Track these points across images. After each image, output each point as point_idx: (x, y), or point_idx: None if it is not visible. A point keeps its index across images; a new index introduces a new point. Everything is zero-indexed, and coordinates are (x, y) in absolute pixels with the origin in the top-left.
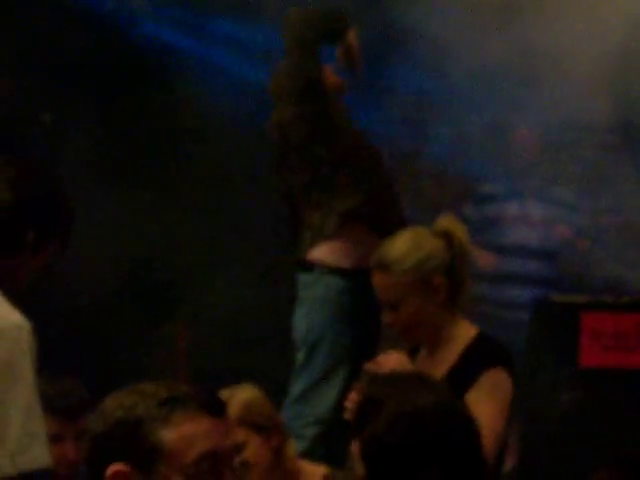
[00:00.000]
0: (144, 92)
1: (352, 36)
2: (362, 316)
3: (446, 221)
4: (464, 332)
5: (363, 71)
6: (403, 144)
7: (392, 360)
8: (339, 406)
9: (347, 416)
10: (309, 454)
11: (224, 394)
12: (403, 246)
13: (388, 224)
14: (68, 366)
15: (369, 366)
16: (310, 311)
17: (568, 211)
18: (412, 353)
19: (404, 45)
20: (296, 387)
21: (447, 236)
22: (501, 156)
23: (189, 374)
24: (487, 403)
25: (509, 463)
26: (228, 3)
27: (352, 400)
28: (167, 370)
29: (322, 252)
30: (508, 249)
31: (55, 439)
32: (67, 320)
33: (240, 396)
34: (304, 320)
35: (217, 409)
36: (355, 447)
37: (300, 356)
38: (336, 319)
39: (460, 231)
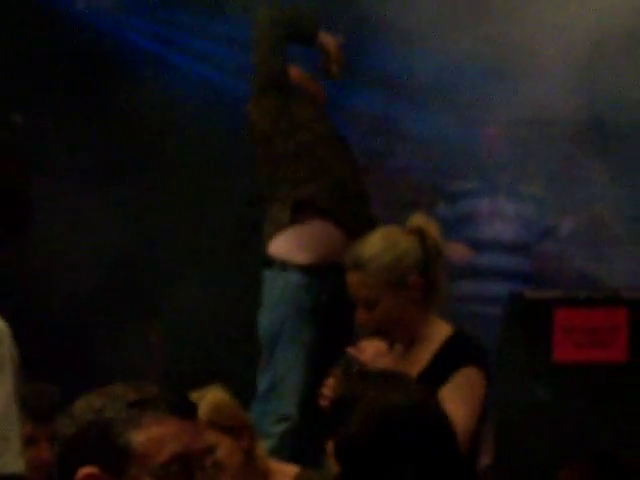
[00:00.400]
0: (115, 92)
1: (327, 40)
2: (322, 313)
3: (419, 219)
4: (439, 331)
5: (339, 74)
6: (374, 142)
7: (373, 347)
8: (305, 402)
9: (323, 403)
10: (278, 451)
11: (193, 396)
12: (377, 245)
13: (352, 219)
14: (42, 365)
15: (350, 351)
16: (270, 308)
17: (539, 207)
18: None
19: (376, 40)
20: (261, 385)
21: (420, 234)
22: (471, 153)
23: (162, 373)
24: (460, 401)
25: (485, 461)
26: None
27: (329, 386)
28: (141, 369)
29: (280, 247)
30: (482, 245)
31: (29, 441)
32: (41, 318)
33: (209, 398)
34: (265, 317)
35: (186, 411)
36: (329, 446)
37: (263, 355)
38: (294, 316)
39: (433, 229)
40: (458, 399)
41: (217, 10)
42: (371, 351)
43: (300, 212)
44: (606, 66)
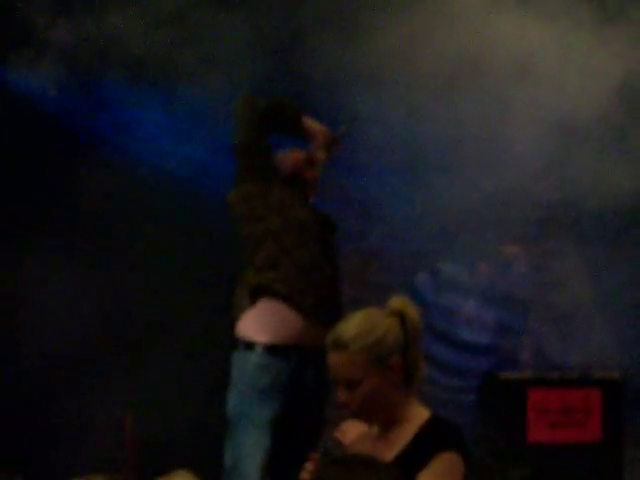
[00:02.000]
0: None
1: (311, 125)
2: (281, 393)
3: (398, 301)
4: (417, 414)
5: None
6: (350, 224)
7: (356, 429)
8: None
9: None
10: None
11: None
12: (359, 325)
13: (315, 305)
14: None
15: (334, 435)
16: (232, 388)
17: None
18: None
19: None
20: (227, 461)
21: (400, 316)
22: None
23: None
24: None
25: None
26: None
27: (307, 471)
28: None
29: (243, 328)
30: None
31: None
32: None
33: None
34: (229, 397)
35: None
36: None
37: (229, 431)
38: (252, 396)
39: (412, 311)
40: None
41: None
42: (353, 433)
43: (260, 296)
44: (575, 151)
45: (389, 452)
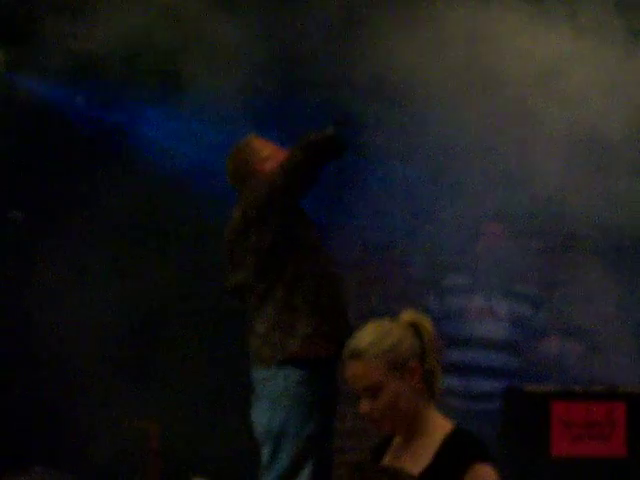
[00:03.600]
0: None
1: None
2: (323, 405)
3: (410, 314)
4: (439, 425)
5: None
6: (371, 235)
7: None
8: None
9: None
10: None
11: None
12: (373, 333)
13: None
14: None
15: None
16: (271, 405)
17: (531, 306)
18: (386, 442)
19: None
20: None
21: (413, 325)
22: (468, 248)
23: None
24: None
25: None
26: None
27: (337, 476)
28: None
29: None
30: (473, 341)
31: None
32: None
33: None
34: (266, 415)
35: None
36: None
37: (265, 451)
38: (298, 411)
39: (426, 321)
40: None
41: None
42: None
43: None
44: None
45: (414, 465)
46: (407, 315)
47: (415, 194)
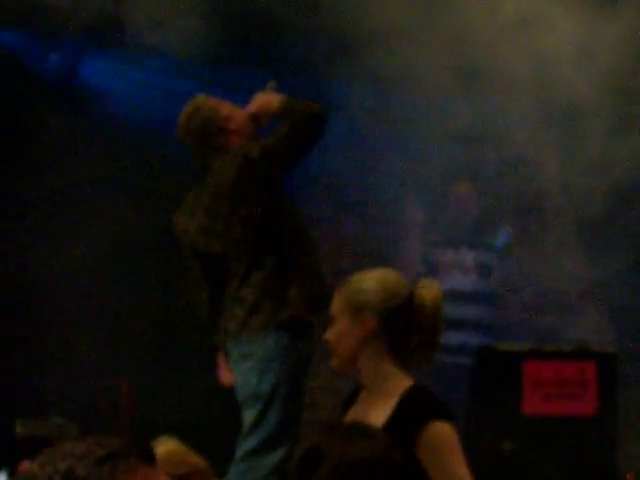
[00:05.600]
0: None
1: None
2: (306, 366)
3: (424, 284)
4: (400, 382)
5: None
6: (350, 193)
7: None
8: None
9: None
10: None
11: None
12: (369, 277)
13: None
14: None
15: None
16: (261, 369)
17: (496, 257)
18: (353, 395)
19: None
20: (250, 441)
21: (410, 296)
22: (438, 207)
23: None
24: (456, 463)
25: None
26: None
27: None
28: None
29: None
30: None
31: None
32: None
33: (159, 450)
34: (254, 378)
35: (152, 458)
36: None
37: (251, 412)
38: (287, 373)
39: (427, 297)
40: (454, 462)
41: None
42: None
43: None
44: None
45: (376, 419)
46: (425, 288)
47: (385, 154)
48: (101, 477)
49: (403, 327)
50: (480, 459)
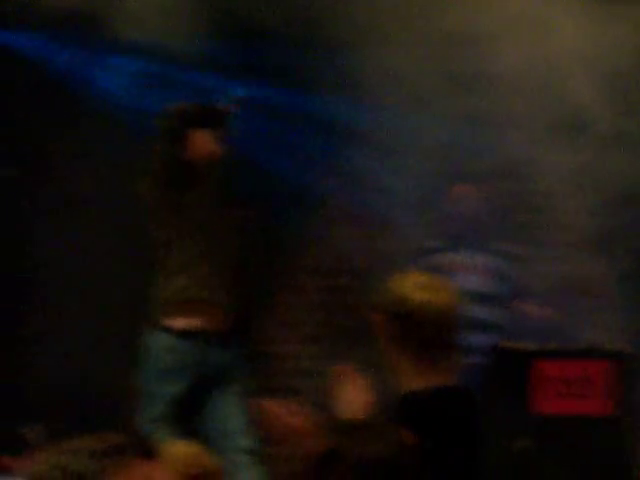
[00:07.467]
0: None
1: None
2: (187, 373)
3: (446, 292)
4: (405, 382)
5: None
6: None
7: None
8: None
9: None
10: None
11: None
12: (418, 279)
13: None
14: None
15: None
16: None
17: (511, 262)
18: None
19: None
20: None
21: (426, 302)
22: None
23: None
24: None
25: None
26: None
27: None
28: None
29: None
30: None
31: None
32: None
33: (174, 452)
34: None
35: (150, 454)
36: None
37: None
38: (156, 375)
39: (434, 306)
40: None
41: None
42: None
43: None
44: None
45: None
46: (443, 290)
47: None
48: (98, 471)
49: (410, 328)
50: (491, 458)
